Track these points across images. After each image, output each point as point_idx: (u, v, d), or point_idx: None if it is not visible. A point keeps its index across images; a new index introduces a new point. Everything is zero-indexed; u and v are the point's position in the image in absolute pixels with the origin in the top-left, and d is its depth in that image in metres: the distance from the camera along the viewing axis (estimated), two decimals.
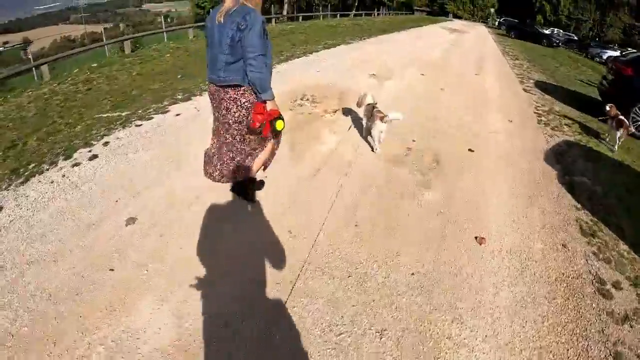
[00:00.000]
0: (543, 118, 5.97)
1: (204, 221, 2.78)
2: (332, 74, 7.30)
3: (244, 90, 2.42)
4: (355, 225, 2.86)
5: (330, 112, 5.16)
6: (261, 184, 3.20)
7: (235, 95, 2.43)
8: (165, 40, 15.12)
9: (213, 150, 2.72)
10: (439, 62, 10.23)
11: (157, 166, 3.56)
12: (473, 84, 7.93)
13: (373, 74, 7.54)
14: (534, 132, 5.26)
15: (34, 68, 10.92)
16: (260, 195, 3.10)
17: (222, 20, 2.29)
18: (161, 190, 3.16)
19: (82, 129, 4.64)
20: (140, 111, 5.17)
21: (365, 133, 4.29)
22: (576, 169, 4.21)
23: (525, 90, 7.98)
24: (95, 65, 10.04)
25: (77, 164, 3.62)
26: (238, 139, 2.59)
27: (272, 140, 2.75)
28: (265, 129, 2.44)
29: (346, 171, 3.65)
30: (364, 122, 4.25)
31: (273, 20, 20.21)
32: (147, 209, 2.90)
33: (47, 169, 3.57)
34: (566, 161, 4.40)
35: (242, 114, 2.48)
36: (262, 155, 2.75)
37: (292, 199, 3.13)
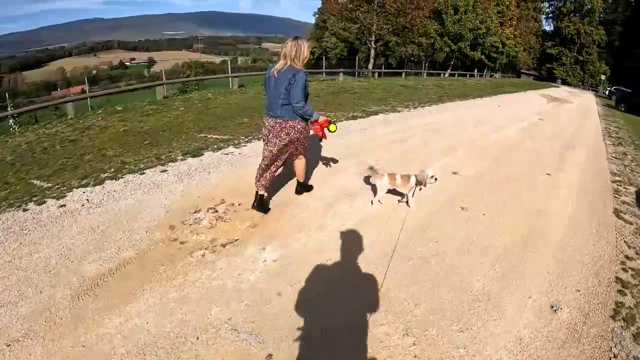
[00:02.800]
0: (628, 297, 3.21)
1: None
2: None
3: (298, 121, 3.62)
4: None
5: (220, 244, 3.30)
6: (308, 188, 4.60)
7: (293, 124, 3.61)
8: (230, 85, 14.88)
9: (263, 167, 3.79)
10: (502, 148, 7.69)
11: None
12: (530, 196, 5.27)
13: (373, 167, 5.46)
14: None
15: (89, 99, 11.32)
16: None
17: (276, 75, 3.45)
18: None
19: (2, 197, 4.41)
20: (57, 186, 4.64)
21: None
22: None
23: (617, 212, 5.01)
24: (120, 108, 9.80)
25: None
26: (299, 149, 3.88)
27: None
28: (323, 135, 3.97)
29: None
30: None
31: (341, 74, 19.19)
32: None
33: None
34: None
35: (297, 136, 3.68)
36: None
37: None
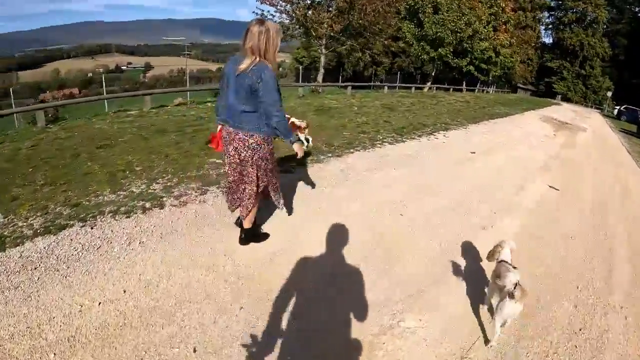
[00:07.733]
0: None
1: None
2: None
3: (252, 134, 2.67)
4: None
5: None
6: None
7: (245, 137, 2.69)
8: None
9: (229, 186, 3.05)
10: None
11: None
12: None
13: None
14: None
15: None
16: None
17: (241, 71, 2.54)
18: None
19: None
20: None
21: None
22: None
23: None
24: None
25: None
26: (244, 174, 2.85)
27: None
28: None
29: None
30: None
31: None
32: None
33: None
34: None
35: (248, 155, 2.74)
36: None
37: None
